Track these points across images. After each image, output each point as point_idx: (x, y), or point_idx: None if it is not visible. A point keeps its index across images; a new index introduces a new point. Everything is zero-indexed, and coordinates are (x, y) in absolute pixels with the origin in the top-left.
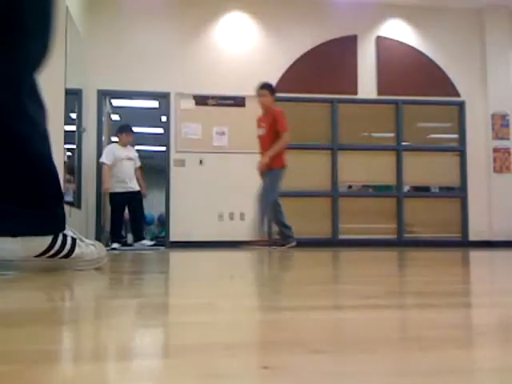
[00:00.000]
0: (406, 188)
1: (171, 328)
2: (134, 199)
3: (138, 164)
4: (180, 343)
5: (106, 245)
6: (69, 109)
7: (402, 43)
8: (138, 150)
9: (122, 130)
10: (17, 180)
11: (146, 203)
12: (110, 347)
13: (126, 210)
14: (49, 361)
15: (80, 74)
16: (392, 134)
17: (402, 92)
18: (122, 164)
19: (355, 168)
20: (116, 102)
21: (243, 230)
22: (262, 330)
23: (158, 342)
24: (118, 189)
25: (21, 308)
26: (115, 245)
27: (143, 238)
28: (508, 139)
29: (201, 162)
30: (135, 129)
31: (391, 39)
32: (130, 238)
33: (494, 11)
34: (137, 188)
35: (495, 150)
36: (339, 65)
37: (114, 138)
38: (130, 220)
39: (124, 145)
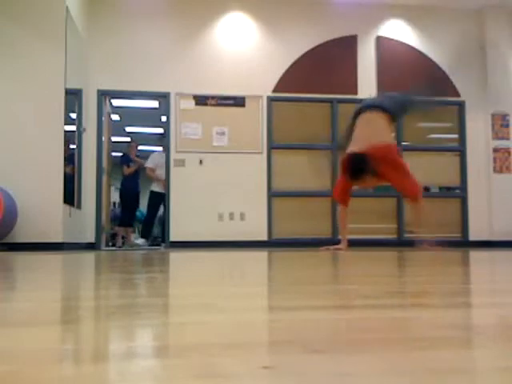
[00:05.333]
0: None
1: (171, 328)
2: (164, 201)
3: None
4: (180, 343)
5: (106, 245)
6: (69, 109)
7: (402, 43)
8: (138, 150)
9: (160, 137)
10: None
11: (145, 203)
12: (110, 347)
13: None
14: (49, 361)
15: (80, 74)
16: (392, 134)
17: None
18: (162, 168)
19: None
20: (116, 102)
21: (243, 229)
22: (262, 330)
23: (158, 341)
24: (157, 189)
25: (21, 308)
26: (141, 240)
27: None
28: (508, 139)
29: (201, 162)
30: (135, 129)
31: (391, 39)
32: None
33: (494, 11)
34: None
35: (495, 150)
36: (339, 65)
37: (114, 138)
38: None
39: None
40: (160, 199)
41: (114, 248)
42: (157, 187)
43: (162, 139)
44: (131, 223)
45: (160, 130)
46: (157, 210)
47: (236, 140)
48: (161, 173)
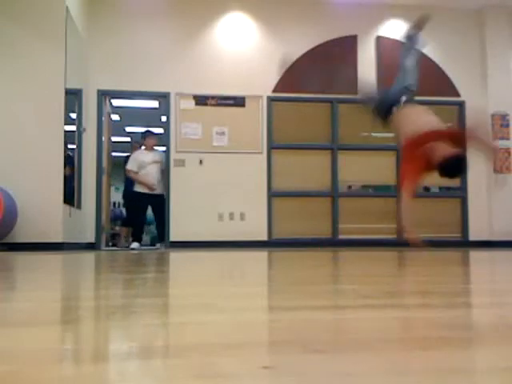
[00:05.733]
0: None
1: (171, 328)
2: (155, 201)
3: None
4: (180, 343)
5: (106, 245)
6: (69, 109)
7: (402, 43)
8: None
9: (146, 134)
10: None
11: None
12: (110, 347)
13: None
14: (49, 361)
15: (80, 73)
16: (392, 134)
17: None
18: (147, 168)
19: (355, 168)
20: (116, 102)
21: (243, 229)
22: (262, 330)
23: (158, 341)
24: (140, 189)
25: (21, 308)
26: (135, 244)
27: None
28: (508, 139)
29: (201, 162)
30: (135, 129)
31: (391, 39)
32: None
33: (494, 11)
34: (159, 191)
35: (495, 150)
36: (339, 65)
37: (114, 138)
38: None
39: (149, 149)
40: (145, 200)
41: (114, 248)
42: (140, 188)
43: (147, 136)
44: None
45: (160, 130)
46: (144, 211)
47: (236, 140)
48: (145, 173)
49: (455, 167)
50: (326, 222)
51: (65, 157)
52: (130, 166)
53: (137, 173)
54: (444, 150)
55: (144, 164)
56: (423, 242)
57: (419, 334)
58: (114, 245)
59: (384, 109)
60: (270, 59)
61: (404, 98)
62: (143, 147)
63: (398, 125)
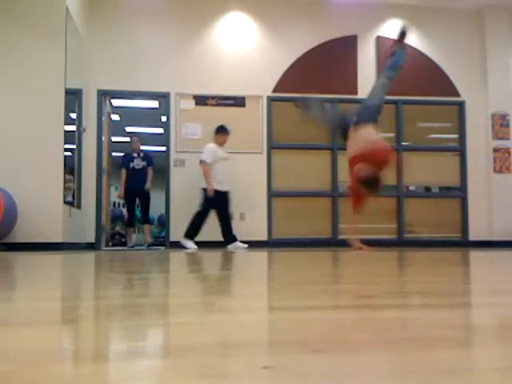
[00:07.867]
0: (406, 188)
1: (171, 328)
2: (226, 199)
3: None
4: (180, 343)
5: (106, 245)
6: (69, 109)
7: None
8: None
9: (220, 130)
10: None
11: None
12: (110, 347)
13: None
14: (49, 361)
15: (80, 73)
16: (392, 134)
17: (402, 92)
18: (218, 164)
19: None
20: (116, 102)
21: (243, 230)
22: (262, 330)
23: (158, 341)
24: (217, 186)
25: (21, 308)
26: (190, 245)
27: (236, 240)
28: (508, 139)
29: (201, 162)
30: (135, 129)
31: (391, 39)
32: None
33: (494, 11)
34: (228, 188)
35: (495, 150)
36: (339, 65)
37: (115, 138)
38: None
39: (221, 145)
40: (223, 197)
41: (114, 248)
42: (216, 185)
43: (223, 132)
44: (132, 223)
45: (160, 130)
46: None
47: (236, 140)
48: (215, 168)
49: (372, 185)
50: (325, 222)
51: (64, 158)
52: (207, 158)
53: (210, 166)
54: (365, 170)
55: (218, 160)
56: (361, 246)
57: (419, 333)
58: (113, 245)
59: (342, 126)
60: (269, 59)
61: (355, 118)
62: (213, 143)
63: (350, 142)
